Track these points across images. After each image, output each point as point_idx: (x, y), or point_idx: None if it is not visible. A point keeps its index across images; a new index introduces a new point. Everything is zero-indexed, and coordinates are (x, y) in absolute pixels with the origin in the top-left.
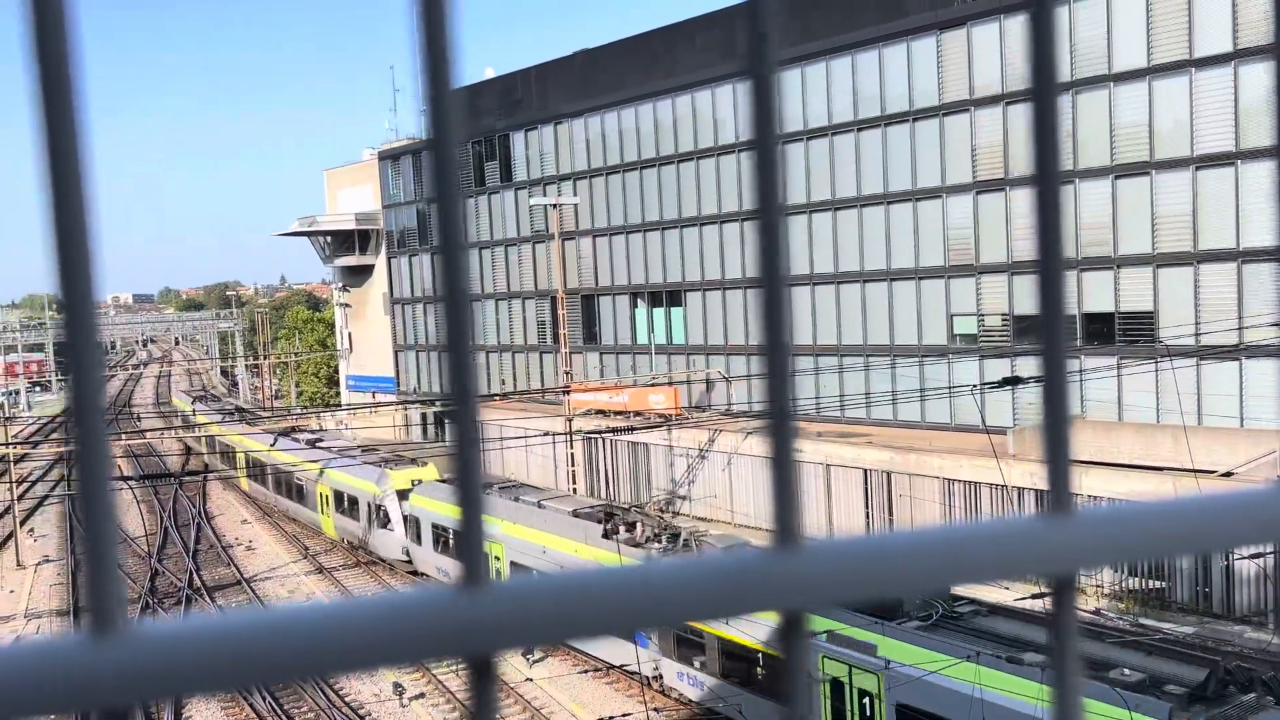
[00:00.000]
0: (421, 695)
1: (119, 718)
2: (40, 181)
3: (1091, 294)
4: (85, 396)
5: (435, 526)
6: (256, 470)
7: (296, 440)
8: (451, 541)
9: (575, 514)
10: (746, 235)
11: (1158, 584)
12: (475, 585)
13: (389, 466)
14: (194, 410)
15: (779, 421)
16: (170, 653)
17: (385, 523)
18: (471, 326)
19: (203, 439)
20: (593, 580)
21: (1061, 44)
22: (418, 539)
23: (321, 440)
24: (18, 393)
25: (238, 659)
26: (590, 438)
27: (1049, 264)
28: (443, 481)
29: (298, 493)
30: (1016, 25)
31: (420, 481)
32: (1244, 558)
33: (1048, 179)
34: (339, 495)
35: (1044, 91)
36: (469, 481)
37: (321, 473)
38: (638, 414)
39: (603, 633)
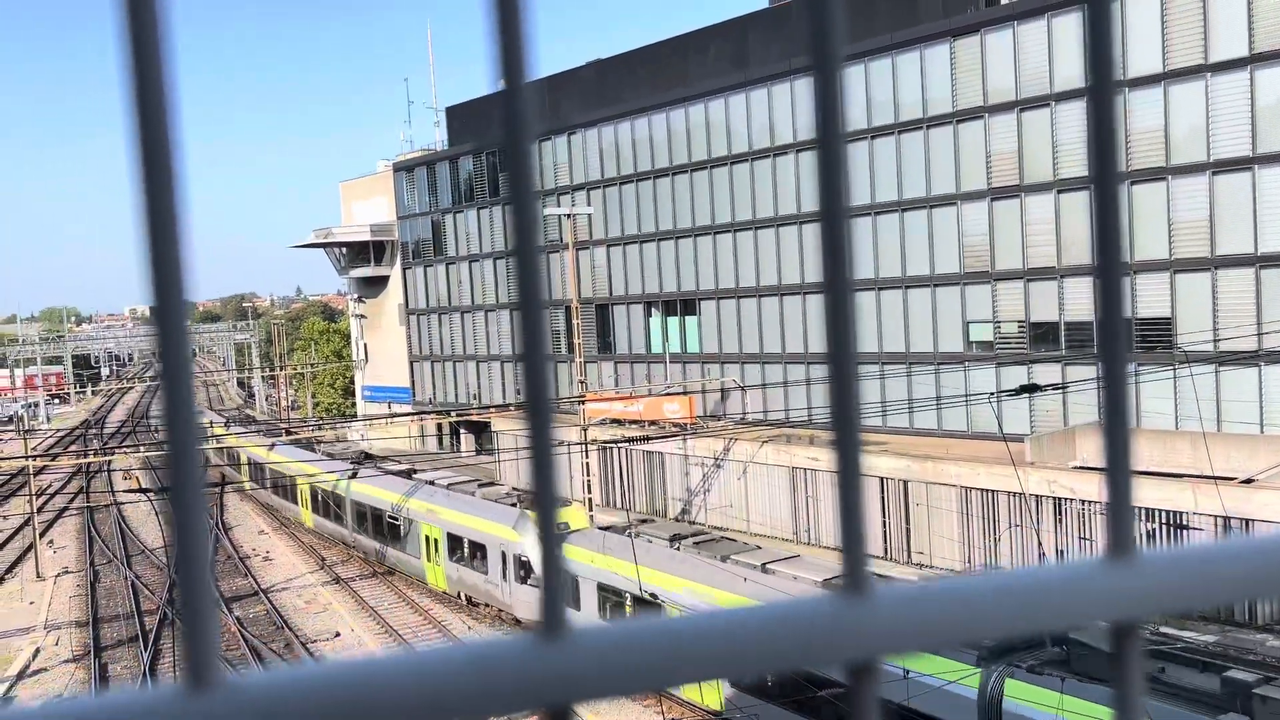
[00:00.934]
0: None
1: None
2: (134, 190)
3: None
4: (179, 437)
5: (603, 588)
6: (328, 506)
7: (380, 469)
8: (630, 607)
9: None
10: (768, 243)
11: None
12: (556, 633)
13: (523, 506)
14: (229, 431)
15: (848, 468)
16: (263, 706)
17: (527, 577)
18: (547, 340)
19: (246, 464)
20: (669, 629)
21: (1077, 49)
22: (575, 602)
23: (415, 471)
24: (37, 405)
25: (328, 711)
26: (606, 447)
27: (1109, 288)
28: (607, 530)
29: (391, 533)
30: (1030, 31)
31: (568, 527)
32: None
33: (1106, 181)
34: (455, 540)
35: (1102, 91)
36: (547, 524)
37: (429, 512)
38: (653, 423)
39: (678, 683)
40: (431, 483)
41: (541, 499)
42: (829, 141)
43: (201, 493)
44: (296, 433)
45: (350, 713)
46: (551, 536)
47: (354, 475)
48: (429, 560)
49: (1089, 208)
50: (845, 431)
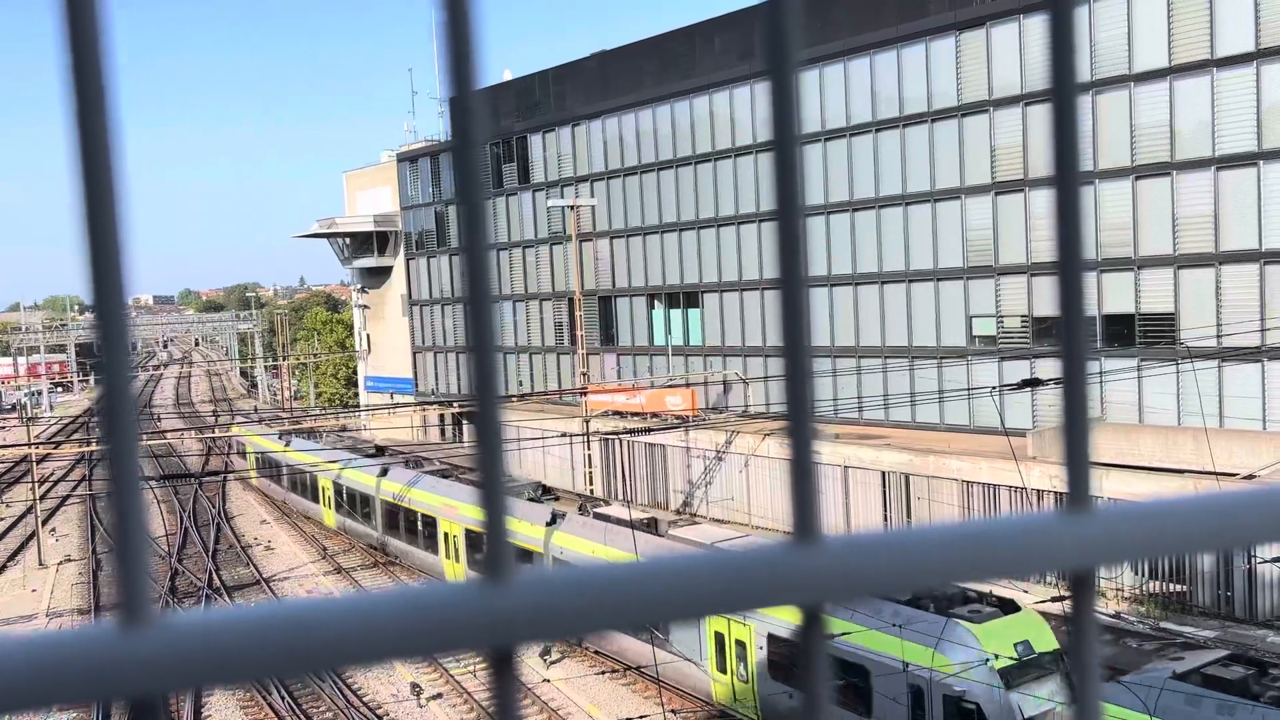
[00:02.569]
0: (439, 695)
1: (147, 706)
2: (73, 183)
3: (1112, 295)
4: (114, 388)
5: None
6: (354, 505)
7: (412, 468)
8: None
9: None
10: (765, 236)
11: (1179, 587)
12: (498, 578)
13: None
14: (285, 446)
15: (798, 416)
16: (198, 642)
17: None
18: (496, 325)
19: (254, 456)
20: (613, 574)
21: (1082, 44)
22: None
23: (455, 471)
24: (40, 393)
25: (264, 650)
26: (608, 439)
27: (1068, 261)
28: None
29: (427, 536)
30: (1036, 25)
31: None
32: (1266, 561)
33: (1068, 180)
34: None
35: (1064, 92)
36: (491, 476)
37: (448, 507)
38: (655, 415)
39: (622, 627)
40: (460, 479)
41: (485, 453)
42: (784, 141)
43: (135, 435)
44: (310, 425)
45: (286, 652)
46: (496, 486)
47: (384, 473)
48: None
49: (1051, 207)
50: (795, 376)
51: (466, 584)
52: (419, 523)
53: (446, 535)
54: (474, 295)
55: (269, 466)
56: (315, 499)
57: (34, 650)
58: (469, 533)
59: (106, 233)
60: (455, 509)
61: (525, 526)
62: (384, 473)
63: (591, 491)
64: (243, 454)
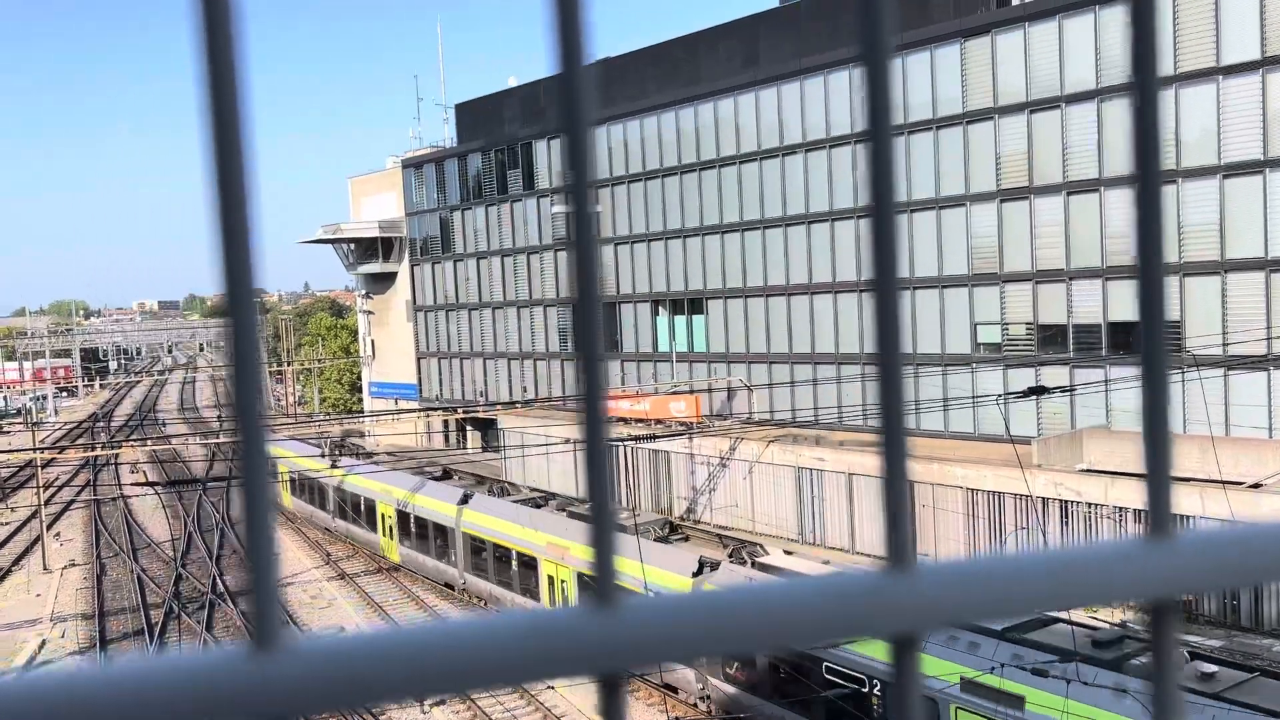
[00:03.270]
0: (442, 702)
1: None
2: (207, 184)
3: (1117, 303)
4: (247, 413)
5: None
6: (426, 538)
7: (501, 496)
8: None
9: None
10: (797, 240)
11: (1184, 596)
12: (609, 604)
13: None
14: (341, 474)
15: (892, 439)
16: (326, 667)
17: None
18: (602, 331)
19: (290, 482)
20: (718, 601)
21: (1088, 51)
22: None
23: (547, 500)
24: (45, 398)
25: (390, 673)
26: (611, 445)
27: (1149, 271)
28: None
29: (524, 577)
30: (1041, 32)
31: None
32: None
33: (1149, 180)
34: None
35: (1145, 87)
36: (600, 510)
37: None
38: (659, 422)
39: (725, 653)
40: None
41: (594, 477)
42: (878, 134)
43: (268, 461)
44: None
45: (414, 676)
46: (604, 510)
47: (466, 500)
48: None
49: (1131, 208)
50: (891, 410)
51: (579, 609)
52: (514, 562)
53: (552, 579)
54: (582, 292)
55: (309, 489)
56: (373, 527)
57: (164, 675)
58: (582, 578)
59: (239, 236)
60: (565, 550)
61: (441, 505)
62: (465, 500)
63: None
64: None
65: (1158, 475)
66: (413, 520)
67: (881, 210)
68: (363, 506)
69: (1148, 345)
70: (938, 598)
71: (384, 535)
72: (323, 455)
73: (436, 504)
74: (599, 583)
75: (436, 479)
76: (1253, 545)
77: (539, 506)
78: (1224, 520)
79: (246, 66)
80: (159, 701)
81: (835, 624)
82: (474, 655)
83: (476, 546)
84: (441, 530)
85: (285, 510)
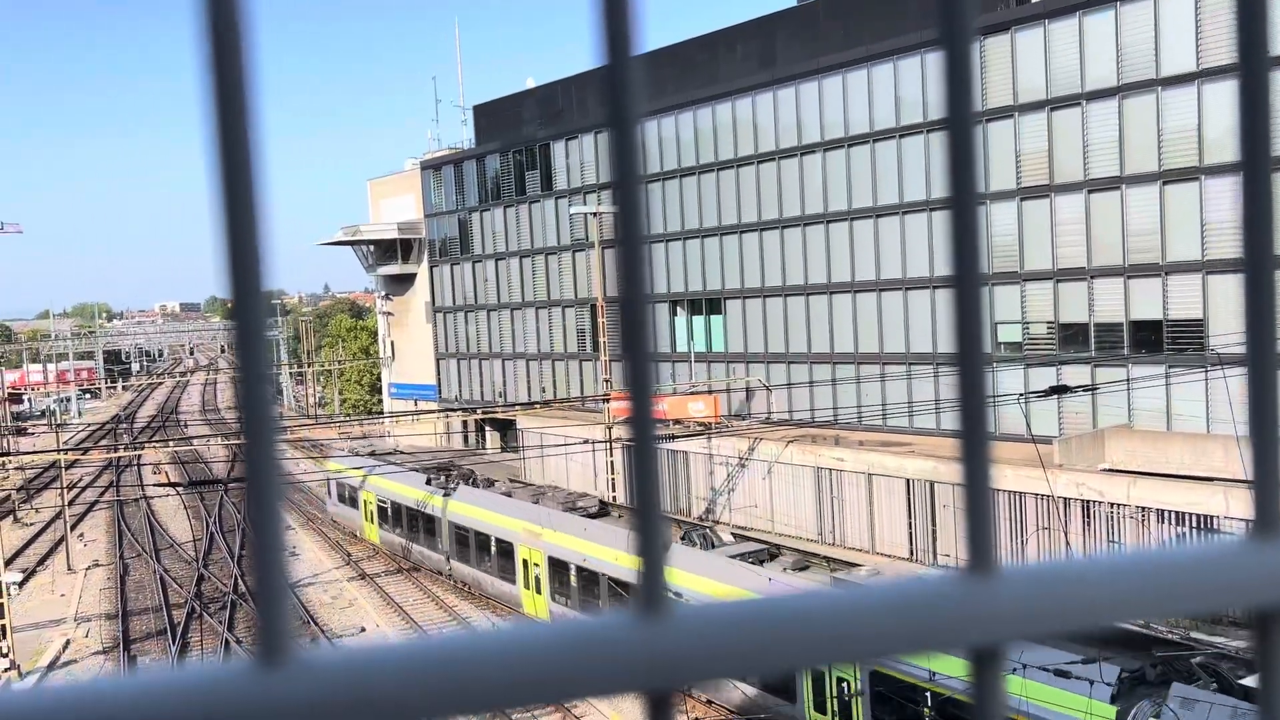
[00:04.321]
0: None
1: None
2: (212, 185)
3: (1139, 302)
4: (255, 422)
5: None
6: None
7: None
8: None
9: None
10: (815, 239)
11: None
12: (655, 614)
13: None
14: (445, 498)
15: (973, 441)
16: (339, 683)
17: None
18: (651, 331)
19: (375, 507)
20: (775, 611)
21: (1108, 48)
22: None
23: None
24: (69, 400)
25: (409, 690)
26: (630, 446)
27: (1259, 261)
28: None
29: None
30: (1060, 30)
31: None
32: None
33: (1259, 168)
34: None
35: (1255, 71)
36: (647, 514)
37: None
38: (677, 422)
39: (786, 667)
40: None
41: (641, 481)
42: (959, 121)
43: (277, 472)
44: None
45: (438, 693)
46: (652, 516)
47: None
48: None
49: (1238, 198)
50: (972, 408)
51: (625, 619)
52: None
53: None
54: (629, 291)
55: (408, 520)
56: (508, 576)
57: (167, 691)
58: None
59: (247, 238)
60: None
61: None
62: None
63: (615, 498)
64: (348, 499)
65: (1265, 470)
66: (578, 572)
67: (962, 204)
68: (493, 548)
69: (1252, 337)
70: (1025, 605)
71: (528, 588)
72: (428, 483)
73: (617, 555)
74: (645, 589)
75: (590, 514)
76: None
77: (761, 562)
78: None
79: (256, 68)
80: (163, 718)
81: (909, 636)
82: (506, 670)
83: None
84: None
85: (373, 544)
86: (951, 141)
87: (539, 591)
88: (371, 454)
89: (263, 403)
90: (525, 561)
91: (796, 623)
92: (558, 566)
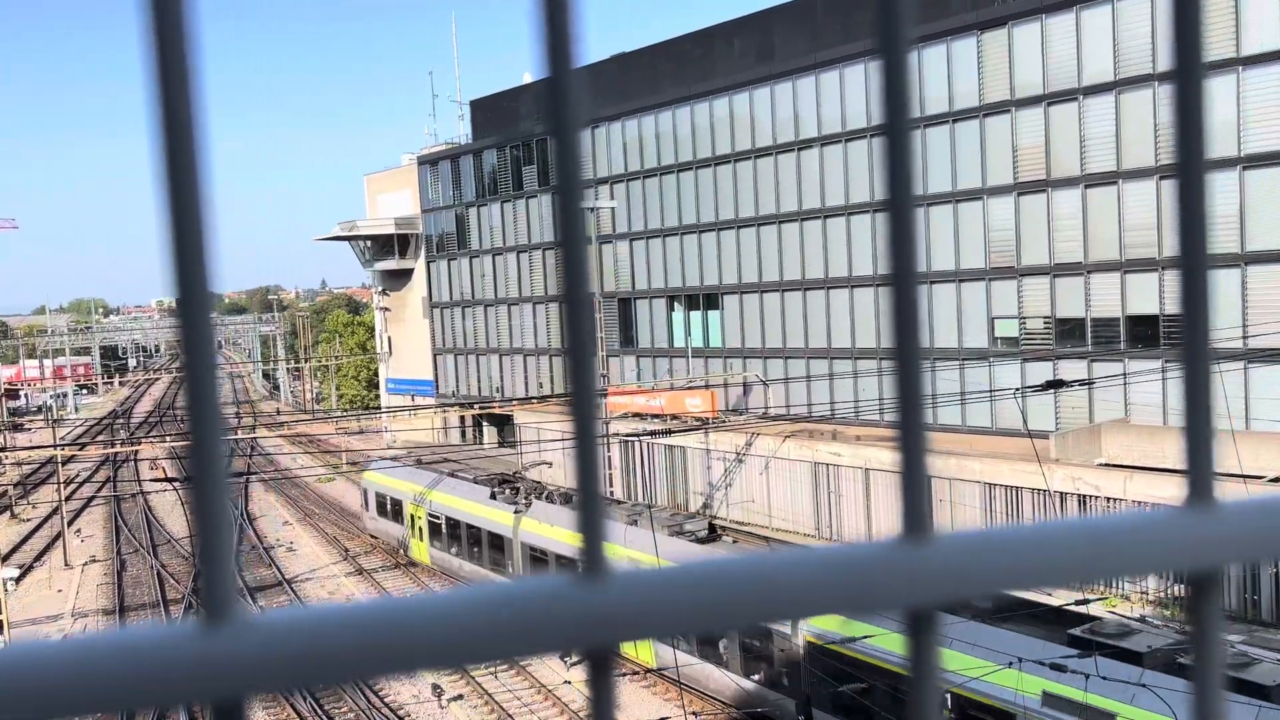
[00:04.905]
0: (460, 697)
1: (232, 709)
2: (157, 182)
3: (1136, 296)
4: (198, 385)
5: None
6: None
7: None
8: None
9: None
10: (812, 234)
11: None
12: (596, 576)
13: None
14: (512, 517)
15: (909, 409)
16: (284, 643)
17: None
18: (594, 326)
19: (441, 526)
20: (713, 572)
21: (1106, 42)
22: None
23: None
24: (65, 395)
25: (352, 650)
26: (627, 441)
27: (1192, 255)
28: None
29: None
30: (1059, 24)
31: None
32: None
33: (1192, 170)
34: None
35: (1188, 77)
36: (587, 480)
37: None
38: (675, 417)
39: (722, 626)
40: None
41: (582, 451)
42: (895, 126)
43: (221, 434)
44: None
45: (375, 652)
46: (592, 484)
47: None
48: None
49: (1173, 198)
50: (908, 382)
51: (566, 581)
52: None
53: None
54: (570, 292)
55: (466, 538)
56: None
57: (113, 650)
58: None
59: (192, 234)
60: None
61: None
62: None
63: (611, 493)
64: (391, 512)
65: (1198, 437)
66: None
67: (900, 204)
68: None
69: (1188, 307)
70: (957, 567)
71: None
72: (492, 497)
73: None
74: (587, 553)
75: (696, 536)
76: None
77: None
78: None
79: (201, 67)
80: (104, 678)
81: (843, 597)
82: (448, 629)
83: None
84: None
85: (425, 564)
86: (889, 146)
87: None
88: (418, 463)
89: (207, 381)
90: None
91: (733, 584)
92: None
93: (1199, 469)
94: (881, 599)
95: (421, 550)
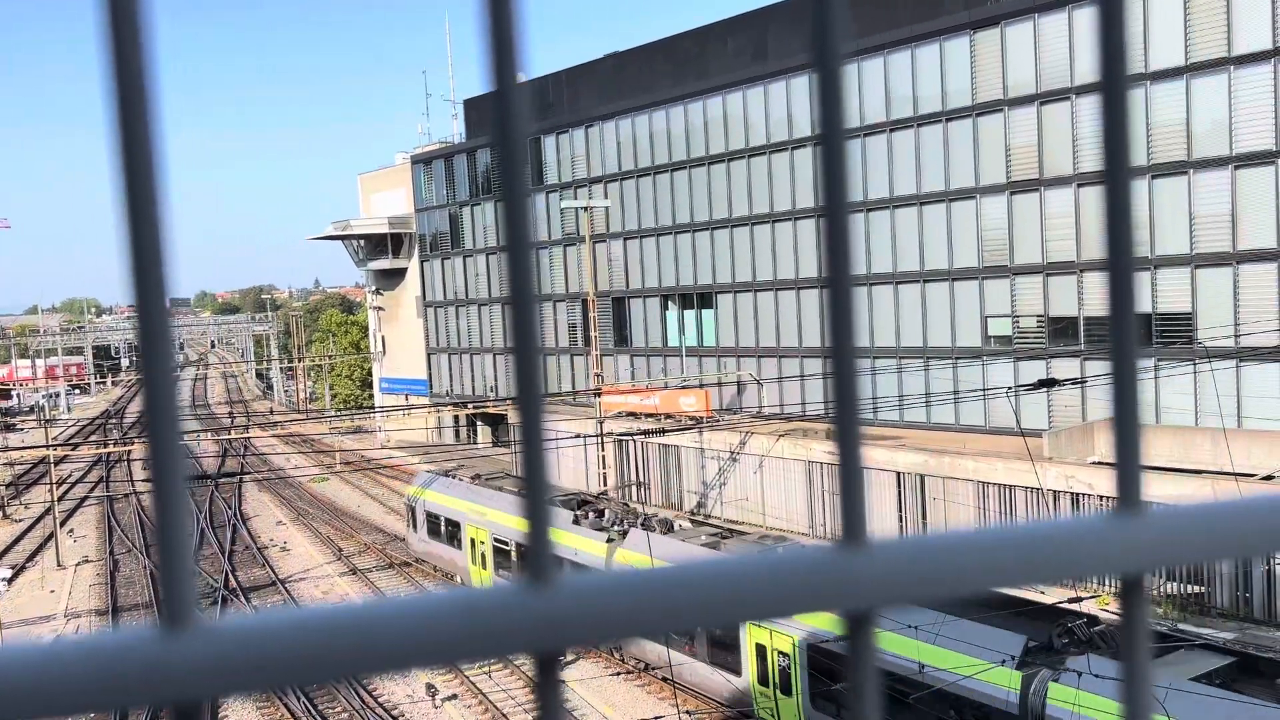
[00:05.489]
0: (454, 697)
1: (192, 712)
2: (115, 183)
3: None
4: (157, 392)
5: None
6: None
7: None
8: None
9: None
10: (806, 234)
11: (1197, 589)
12: (542, 582)
13: None
14: (604, 547)
15: (846, 418)
16: (243, 647)
17: None
18: (538, 326)
19: (488, 548)
20: (658, 577)
21: (1094, 41)
22: None
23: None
24: (58, 395)
25: (310, 654)
26: (621, 440)
27: (1118, 258)
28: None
29: None
30: (1051, 24)
31: None
32: None
33: (1118, 175)
34: None
35: (1114, 84)
36: (534, 480)
37: None
38: (669, 416)
39: (667, 630)
40: None
41: (529, 453)
42: (831, 136)
43: (178, 438)
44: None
45: (332, 656)
46: (539, 487)
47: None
48: None
49: (1102, 203)
50: (844, 387)
51: (513, 587)
52: None
53: None
54: (516, 293)
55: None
56: (760, 674)
57: (73, 655)
58: None
59: (148, 234)
60: None
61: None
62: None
63: (605, 492)
64: (445, 535)
65: (1127, 447)
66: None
67: (836, 208)
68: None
69: (1115, 320)
70: (893, 573)
71: (765, 684)
72: (576, 522)
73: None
74: (533, 559)
75: None
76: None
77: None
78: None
79: (155, 64)
80: (62, 683)
81: (784, 600)
82: (403, 634)
83: None
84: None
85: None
86: (825, 151)
87: (788, 692)
88: (475, 479)
89: (166, 388)
90: (762, 648)
91: (678, 588)
92: (822, 659)
93: (1128, 477)
94: (822, 602)
95: (483, 579)
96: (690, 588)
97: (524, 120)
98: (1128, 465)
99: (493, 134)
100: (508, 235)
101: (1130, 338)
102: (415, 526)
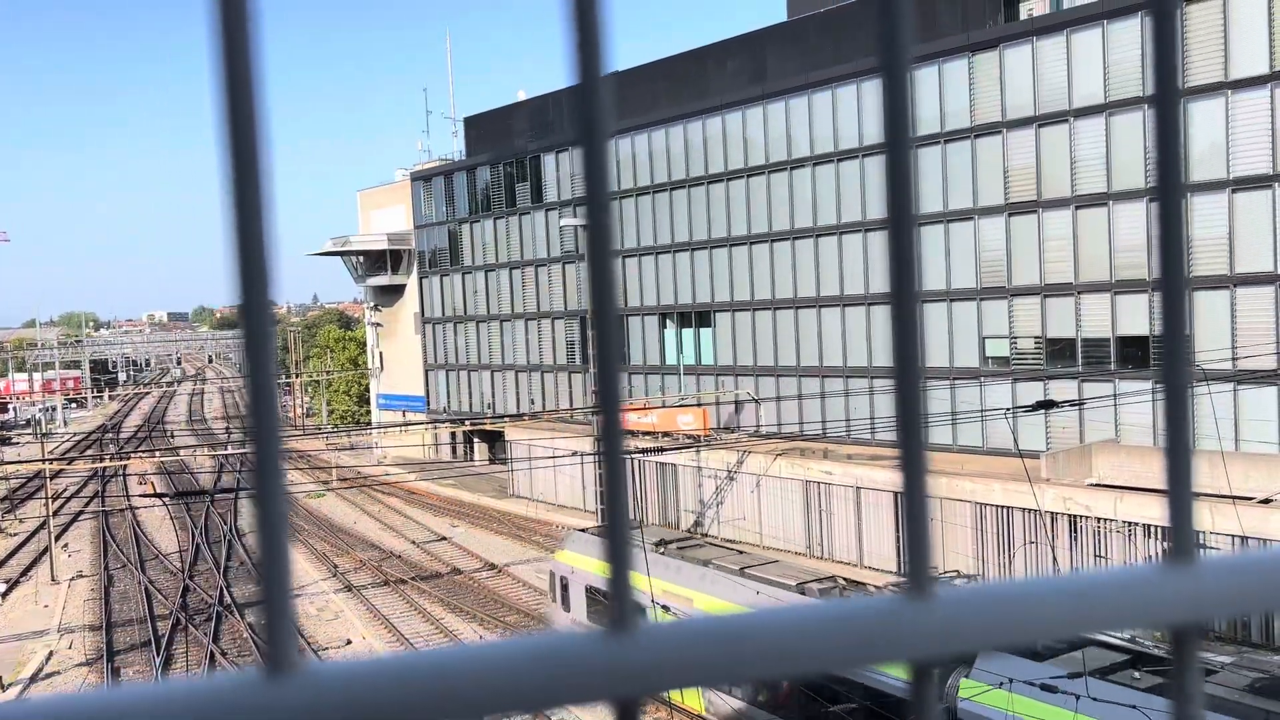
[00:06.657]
0: None
1: None
2: (222, 189)
3: (1126, 317)
4: (265, 453)
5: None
6: None
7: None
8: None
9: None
10: (804, 253)
11: None
12: (623, 630)
13: None
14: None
15: (912, 464)
16: (341, 692)
17: None
18: (620, 348)
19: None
20: (730, 626)
21: (1097, 65)
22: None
23: None
24: (54, 409)
25: (404, 698)
26: (629, 464)
27: (1171, 286)
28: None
29: None
30: (1048, 47)
31: None
32: None
33: (1170, 193)
34: None
35: (1166, 99)
36: (618, 526)
37: None
38: (666, 435)
39: (740, 679)
40: None
41: (612, 501)
42: (896, 145)
43: (284, 481)
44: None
45: (427, 702)
46: (620, 535)
47: None
48: None
49: (1154, 220)
50: (910, 436)
51: (594, 635)
52: None
53: None
54: (598, 304)
55: (812, 700)
56: None
57: (175, 701)
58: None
59: (254, 242)
60: None
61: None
62: None
63: (602, 511)
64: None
65: (1180, 497)
66: None
67: (901, 223)
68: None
69: (1168, 362)
70: (956, 624)
71: None
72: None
73: None
74: (614, 608)
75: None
76: (1273, 570)
77: None
78: (1238, 538)
79: (264, 73)
80: None
81: (853, 650)
82: (490, 679)
83: None
84: None
85: (697, 712)
86: (890, 163)
87: None
88: (660, 544)
89: (269, 414)
90: None
91: (752, 637)
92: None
93: (1181, 529)
94: (887, 653)
95: (695, 700)
96: (761, 636)
97: (607, 123)
98: (1180, 518)
99: (576, 134)
100: (590, 244)
101: (1184, 375)
102: (565, 603)
